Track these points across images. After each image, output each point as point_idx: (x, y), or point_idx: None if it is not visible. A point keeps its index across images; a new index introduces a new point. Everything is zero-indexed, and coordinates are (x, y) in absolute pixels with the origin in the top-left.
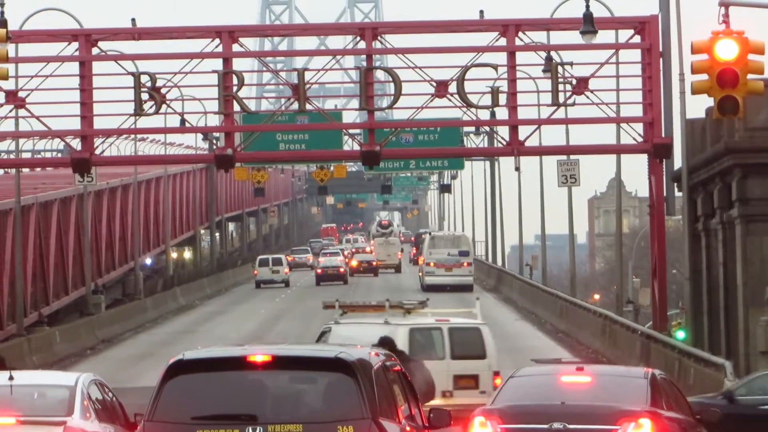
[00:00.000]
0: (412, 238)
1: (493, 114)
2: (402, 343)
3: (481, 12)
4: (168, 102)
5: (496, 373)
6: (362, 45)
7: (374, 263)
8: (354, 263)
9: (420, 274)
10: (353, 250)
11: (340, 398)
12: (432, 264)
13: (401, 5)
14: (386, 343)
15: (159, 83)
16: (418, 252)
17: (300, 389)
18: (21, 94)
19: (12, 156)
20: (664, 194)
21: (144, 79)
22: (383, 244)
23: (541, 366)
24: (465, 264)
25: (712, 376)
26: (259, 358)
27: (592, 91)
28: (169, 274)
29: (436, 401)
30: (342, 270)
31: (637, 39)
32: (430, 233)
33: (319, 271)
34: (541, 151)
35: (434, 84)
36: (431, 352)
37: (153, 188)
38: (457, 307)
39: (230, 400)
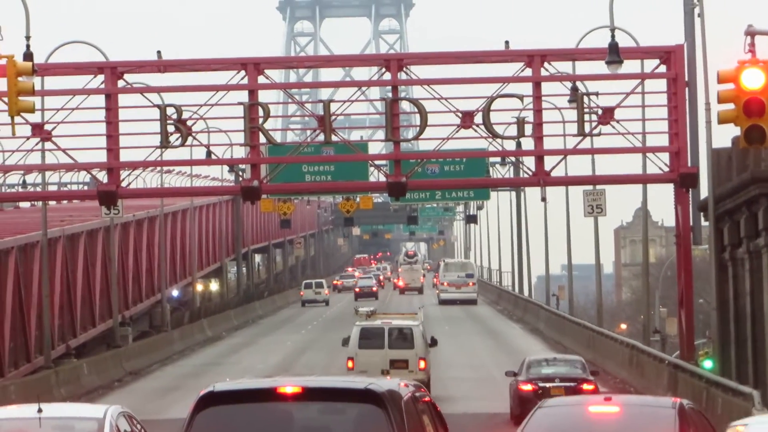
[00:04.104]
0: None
1: (518, 144)
2: (354, 337)
3: (507, 42)
4: (194, 134)
5: (422, 359)
6: (388, 76)
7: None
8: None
9: (437, 291)
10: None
11: (370, 429)
12: (446, 284)
13: (426, 36)
14: None
15: (185, 115)
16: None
17: (330, 420)
18: (47, 127)
19: (39, 189)
20: (691, 224)
21: (170, 111)
22: (408, 270)
23: (568, 396)
24: (471, 284)
25: (740, 406)
26: (289, 389)
27: (617, 121)
28: (196, 306)
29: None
30: (374, 289)
31: (662, 69)
32: (444, 260)
33: (357, 290)
34: (567, 182)
35: (460, 115)
36: (376, 343)
37: (179, 220)
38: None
39: None
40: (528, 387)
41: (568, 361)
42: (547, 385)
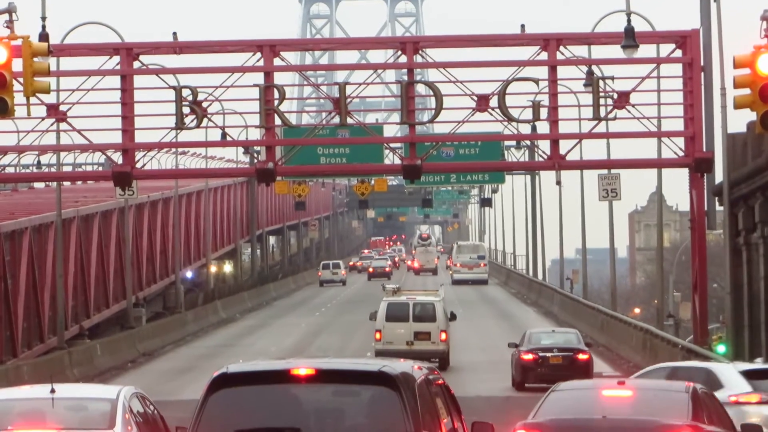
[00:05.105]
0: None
1: (534, 128)
2: (382, 312)
3: (523, 26)
4: (209, 116)
5: (443, 331)
6: (403, 59)
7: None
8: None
9: (450, 272)
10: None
11: (384, 412)
12: (458, 265)
13: (442, 19)
14: None
15: (200, 97)
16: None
17: (343, 403)
18: (62, 107)
19: (53, 169)
20: (705, 208)
21: (185, 92)
22: (423, 252)
23: (582, 380)
24: (482, 265)
25: None
26: (303, 371)
27: (633, 105)
28: (210, 287)
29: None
30: (387, 269)
31: (678, 53)
32: (457, 243)
33: (371, 270)
34: (582, 165)
35: (475, 98)
36: (401, 317)
37: (194, 202)
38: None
39: (274, 414)
40: (529, 356)
41: (565, 333)
42: (547, 354)
